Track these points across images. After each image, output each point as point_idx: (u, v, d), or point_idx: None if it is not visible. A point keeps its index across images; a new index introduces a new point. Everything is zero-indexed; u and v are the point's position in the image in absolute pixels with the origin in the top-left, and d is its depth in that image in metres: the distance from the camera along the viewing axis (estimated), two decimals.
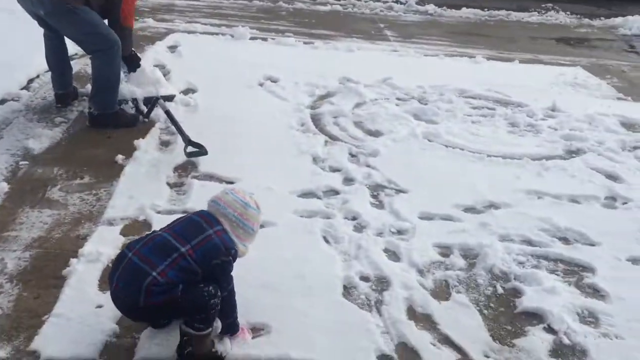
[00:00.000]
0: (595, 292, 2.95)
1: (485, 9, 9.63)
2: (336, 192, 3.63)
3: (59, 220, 3.10)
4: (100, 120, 4.15)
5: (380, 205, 3.55)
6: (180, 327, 2.23)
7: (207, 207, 2.43)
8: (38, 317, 2.42)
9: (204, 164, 3.75)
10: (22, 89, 4.63)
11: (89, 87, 4.43)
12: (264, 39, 6.69)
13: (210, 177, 3.64)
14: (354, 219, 3.37)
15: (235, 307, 2.36)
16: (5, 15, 6.02)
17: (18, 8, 4.02)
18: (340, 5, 8.85)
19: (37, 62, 4.73)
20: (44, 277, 2.66)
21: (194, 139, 3.85)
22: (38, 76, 4.89)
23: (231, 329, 2.37)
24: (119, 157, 3.75)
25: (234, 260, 2.31)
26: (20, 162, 3.62)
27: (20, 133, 3.97)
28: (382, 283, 2.84)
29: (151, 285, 2.12)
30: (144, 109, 4.41)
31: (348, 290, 2.77)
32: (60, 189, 3.39)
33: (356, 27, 7.71)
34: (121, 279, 2.18)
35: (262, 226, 3.15)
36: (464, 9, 9.25)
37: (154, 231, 2.40)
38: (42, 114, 4.28)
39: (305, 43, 6.70)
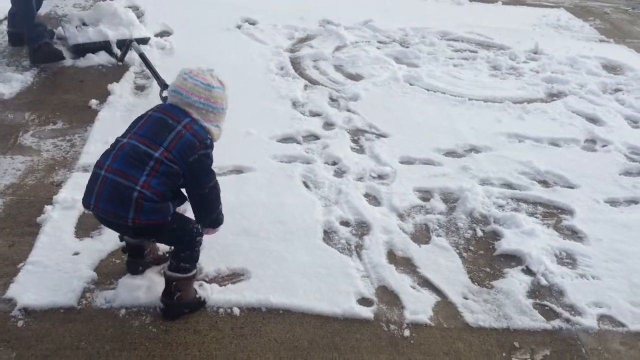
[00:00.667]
0: (574, 233, 2.98)
1: None
2: (316, 137, 3.58)
3: (32, 167, 3.02)
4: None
5: (360, 149, 3.51)
6: (165, 273, 2.19)
7: (169, 98, 2.20)
8: (13, 265, 2.38)
9: None
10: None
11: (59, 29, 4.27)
12: None
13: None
14: (334, 163, 3.33)
15: (219, 199, 2.28)
16: None
17: None
18: None
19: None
20: (18, 224, 2.61)
21: (167, 83, 3.73)
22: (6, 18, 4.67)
23: (216, 222, 2.32)
24: (93, 102, 3.64)
25: (212, 149, 2.19)
26: None
27: None
28: (362, 227, 2.84)
29: (140, 200, 1.99)
30: (118, 51, 4.27)
31: (328, 235, 2.76)
32: (33, 134, 3.30)
33: None
34: (101, 199, 2.01)
35: (240, 171, 3.15)
36: None
37: (117, 140, 2.15)
38: (12, 57, 4.12)
39: None
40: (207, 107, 2.18)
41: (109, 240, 2.53)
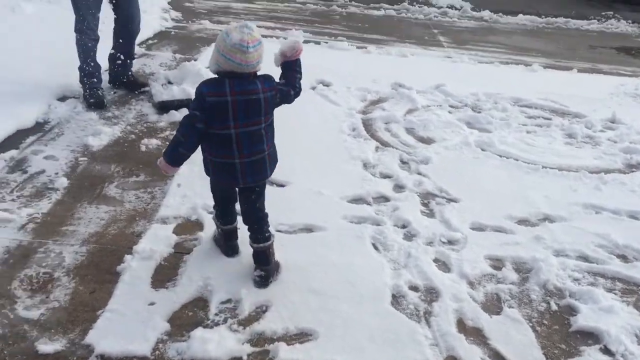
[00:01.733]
0: None
1: (543, 16, 9.41)
2: (386, 199, 3.60)
3: (115, 216, 3.18)
4: None
5: (431, 213, 3.50)
6: (258, 247, 2.71)
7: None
8: (93, 311, 2.48)
9: None
10: (80, 87, 4.75)
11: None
12: (317, 43, 6.71)
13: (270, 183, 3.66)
14: (404, 226, 3.33)
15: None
16: (64, 11, 6.24)
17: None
18: (394, 10, 8.79)
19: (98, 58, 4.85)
20: (100, 272, 2.73)
21: None
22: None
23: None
24: None
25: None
26: (80, 159, 3.73)
27: (80, 130, 4.09)
28: (431, 293, 2.80)
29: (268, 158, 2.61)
30: None
31: (397, 299, 2.74)
32: (117, 185, 3.48)
33: (410, 33, 7.64)
34: (247, 175, 2.56)
35: (311, 230, 3.19)
36: (520, 15, 9.06)
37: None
38: (102, 111, 4.40)
39: (358, 47, 6.69)
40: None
41: (182, 292, 2.61)
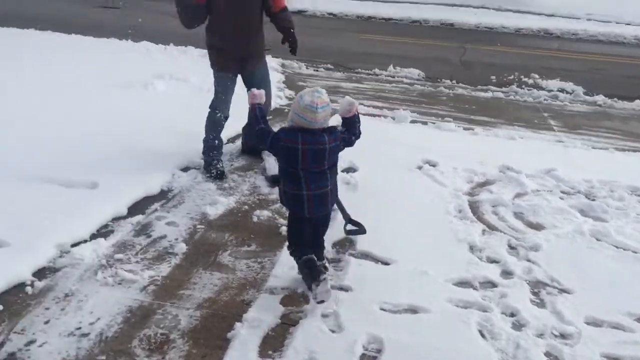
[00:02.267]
0: None
1: None
2: (494, 285, 3.52)
3: (227, 283, 3.33)
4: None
5: (541, 303, 3.37)
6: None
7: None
8: None
9: (362, 242, 3.85)
10: (202, 158, 5.11)
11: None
12: (424, 123, 6.82)
13: (366, 256, 3.72)
14: (512, 315, 3.23)
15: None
16: (190, 90, 6.80)
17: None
18: (502, 92, 8.78)
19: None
20: (212, 337, 2.86)
21: (352, 217, 3.98)
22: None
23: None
24: (284, 229, 3.97)
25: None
26: (198, 226, 3.97)
27: (199, 199, 4.37)
28: None
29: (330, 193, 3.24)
30: None
31: None
32: (230, 254, 3.66)
33: (518, 115, 7.58)
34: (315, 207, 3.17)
35: (415, 311, 3.18)
36: (637, 101, 8.74)
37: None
38: (220, 182, 4.68)
39: (465, 129, 6.71)
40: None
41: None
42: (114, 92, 6.76)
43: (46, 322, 2.89)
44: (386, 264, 3.65)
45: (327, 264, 3.44)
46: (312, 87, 3.08)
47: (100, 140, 5.11)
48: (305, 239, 3.31)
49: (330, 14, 16.43)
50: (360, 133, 3.33)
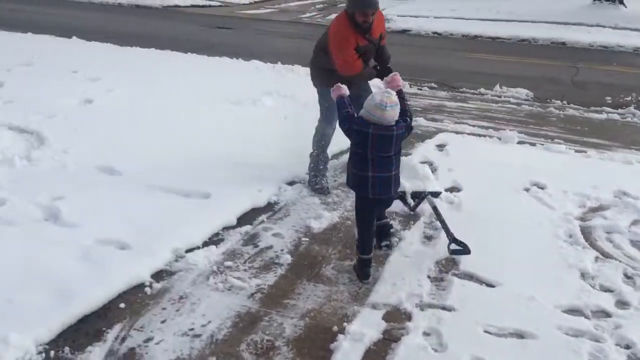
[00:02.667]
0: None
1: None
2: (607, 314, 3.35)
3: (330, 296, 3.40)
4: None
5: None
6: (385, 225, 3.92)
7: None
8: None
9: (465, 262, 3.80)
10: (307, 173, 5.25)
11: None
12: (532, 144, 6.60)
13: (470, 277, 3.66)
14: (627, 347, 3.06)
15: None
16: (296, 106, 7.00)
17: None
18: (618, 114, 8.32)
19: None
20: (315, 347, 2.93)
21: (456, 237, 3.93)
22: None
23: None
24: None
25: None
26: (302, 239, 4.08)
27: (304, 212, 4.50)
28: None
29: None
30: (411, 202, 4.67)
31: None
32: (333, 267, 3.73)
33: (636, 138, 7.16)
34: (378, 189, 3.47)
35: (522, 336, 3.09)
36: None
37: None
38: (324, 197, 4.79)
39: (576, 151, 6.43)
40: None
41: None
42: (225, 108, 7.10)
43: (163, 322, 3.08)
44: (491, 286, 3.57)
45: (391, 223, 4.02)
46: (384, 90, 3.48)
47: (212, 153, 5.39)
48: (371, 222, 3.64)
49: (435, 33, 16.33)
50: (411, 114, 3.64)
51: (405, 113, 3.55)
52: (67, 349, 2.82)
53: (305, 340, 2.98)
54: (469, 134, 6.92)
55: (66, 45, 10.82)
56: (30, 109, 6.25)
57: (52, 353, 2.78)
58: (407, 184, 4.79)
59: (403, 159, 5.15)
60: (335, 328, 3.08)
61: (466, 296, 3.43)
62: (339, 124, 3.64)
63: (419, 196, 4.61)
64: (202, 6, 21.37)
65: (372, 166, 3.42)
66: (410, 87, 9.36)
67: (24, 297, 3.09)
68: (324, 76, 4.71)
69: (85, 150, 5.19)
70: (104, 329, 2.99)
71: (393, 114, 3.36)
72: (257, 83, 8.45)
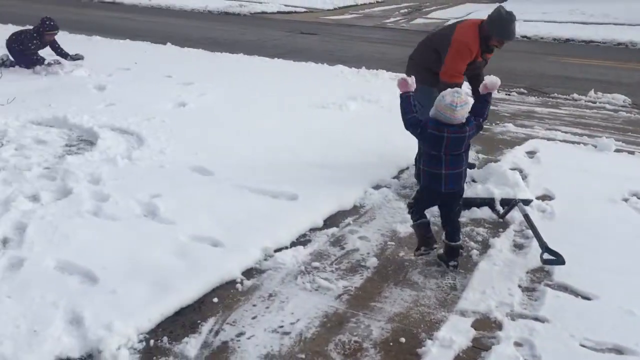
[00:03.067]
0: None
1: None
2: None
3: (417, 300, 3.39)
4: None
5: None
6: (452, 245, 3.74)
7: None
8: None
9: (559, 273, 3.67)
10: (393, 177, 5.24)
11: None
12: (631, 152, 6.29)
13: (564, 288, 3.53)
14: None
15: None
16: (380, 110, 7.00)
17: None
18: None
19: (409, 154, 5.30)
20: (402, 351, 2.93)
21: (549, 246, 3.81)
22: (407, 168, 5.49)
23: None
24: (474, 252, 3.93)
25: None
26: (388, 242, 4.08)
27: (389, 216, 4.49)
28: None
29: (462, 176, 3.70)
30: (500, 209, 4.56)
31: None
32: (420, 272, 3.71)
33: None
34: (450, 183, 3.61)
35: (621, 352, 2.96)
36: None
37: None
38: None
39: None
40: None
41: None
42: (312, 112, 7.22)
43: (253, 318, 3.18)
44: (587, 298, 3.43)
45: (462, 244, 3.84)
46: (454, 89, 3.52)
47: (299, 155, 5.49)
48: (426, 208, 3.83)
49: (524, 37, 15.87)
50: (487, 116, 3.80)
51: (483, 114, 3.72)
52: (165, 338, 2.96)
53: (393, 343, 2.98)
54: (561, 140, 6.68)
55: (161, 51, 11.36)
56: (130, 111, 6.61)
57: (151, 342, 2.93)
58: (497, 191, 4.69)
59: (492, 165, 5.09)
60: (422, 334, 3.06)
61: (560, 308, 3.32)
62: (407, 127, 3.68)
63: (508, 203, 4.50)
64: (288, 12, 21.82)
65: (445, 164, 3.56)
66: (497, 92, 9.11)
67: (126, 289, 3.26)
68: (423, 74, 4.65)
69: (180, 151, 5.43)
70: (198, 321, 3.12)
71: (463, 112, 3.45)
72: (341, 87, 8.54)
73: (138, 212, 4.20)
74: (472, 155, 6.03)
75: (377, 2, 28.05)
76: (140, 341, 2.94)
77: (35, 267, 3.43)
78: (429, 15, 22.36)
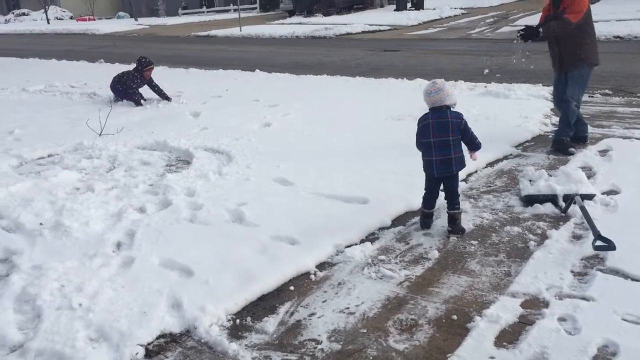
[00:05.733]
0: None
1: None
2: None
3: (472, 285, 3.72)
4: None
5: None
6: (450, 212, 4.45)
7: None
8: (443, 354, 3.04)
9: (612, 259, 3.85)
10: (461, 180, 5.53)
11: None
12: None
13: (616, 272, 3.72)
14: None
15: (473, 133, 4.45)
16: None
17: None
18: None
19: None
20: (453, 326, 3.28)
21: (605, 234, 3.99)
22: (476, 171, 5.78)
23: (478, 146, 4.45)
24: (532, 243, 4.19)
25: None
26: (451, 237, 4.42)
27: None
28: None
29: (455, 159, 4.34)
30: (562, 204, 4.76)
31: None
32: (478, 262, 4.03)
33: None
34: (440, 168, 4.35)
35: None
36: None
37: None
38: (474, 201, 5.07)
39: None
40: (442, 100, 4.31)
41: (520, 354, 2.95)
42: (387, 124, 7.66)
43: (324, 301, 3.64)
44: (637, 280, 3.61)
45: (459, 216, 4.49)
46: (431, 81, 4.38)
47: (372, 164, 5.94)
48: (433, 195, 4.50)
49: (617, 37, 15.46)
50: (478, 144, 4.46)
51: (473, 141, 4.45)
52: (248, 318, 3.49)
53: (446, 320, 3.34)
54: (637, 138, 6.67)
55: (250, 78, 12.25)
56: (221, 133, 7.38)
57: (237, 321, 3.47)
58: (559, 187, 4.89)
59: (560, 166, 5.26)
60: (473, 312, 3.40)
61: (608, 288, 3.52)
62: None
63: (569, 198, 4.69)
64: (372, 32, 22.39)
65: (434, 151, 4.29)
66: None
67: (217, 280, 3.84)
68: (585, 52, 6.22)
69: (264, 165, 6.06)
70: (277, 305, 3.63)
71: (437, 98, 4.27)
72: (419, 100, 8.85)
73: (227, 218, 4.81)
74: (543, 157, 6.22)
75: (463, 14, 28.03)
76: (229, 320, 3.49)
77: (143, 264, 4.09)
78: (515, 23, 22.10)
